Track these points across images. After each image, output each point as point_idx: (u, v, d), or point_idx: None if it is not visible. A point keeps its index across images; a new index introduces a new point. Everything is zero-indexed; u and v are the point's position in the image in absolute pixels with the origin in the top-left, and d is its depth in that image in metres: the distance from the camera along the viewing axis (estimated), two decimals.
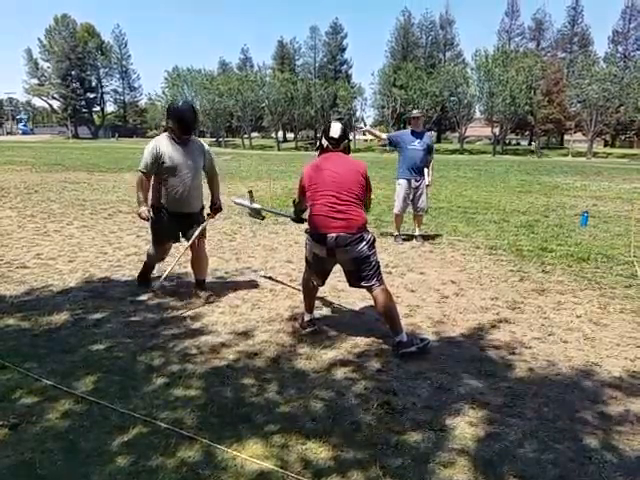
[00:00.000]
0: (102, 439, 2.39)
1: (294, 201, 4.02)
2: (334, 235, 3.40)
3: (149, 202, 4.28)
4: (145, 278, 4.73)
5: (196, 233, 4.32)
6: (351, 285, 3.70)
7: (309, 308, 3.85)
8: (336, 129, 3.67)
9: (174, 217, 4.29)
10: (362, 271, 3.50)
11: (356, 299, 4.47)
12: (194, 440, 2.38)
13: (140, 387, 2.88)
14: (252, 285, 4.84)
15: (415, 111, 7.29)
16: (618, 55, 54.63)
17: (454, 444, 2.41)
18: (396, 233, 7.13)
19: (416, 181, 6.85)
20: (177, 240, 4.52)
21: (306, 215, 3.82)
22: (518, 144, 65.45)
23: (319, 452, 2.32)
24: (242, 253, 6.15)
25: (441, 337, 3.70)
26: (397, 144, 6.90)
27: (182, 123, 4.13)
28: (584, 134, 49.95)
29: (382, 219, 8.67)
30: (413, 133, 6.84)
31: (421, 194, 6.91)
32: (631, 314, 4.21)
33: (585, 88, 47.60)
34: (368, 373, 3.11)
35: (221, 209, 4.66)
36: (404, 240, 7.03)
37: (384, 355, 3.37)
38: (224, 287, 4.77)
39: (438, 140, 71.50)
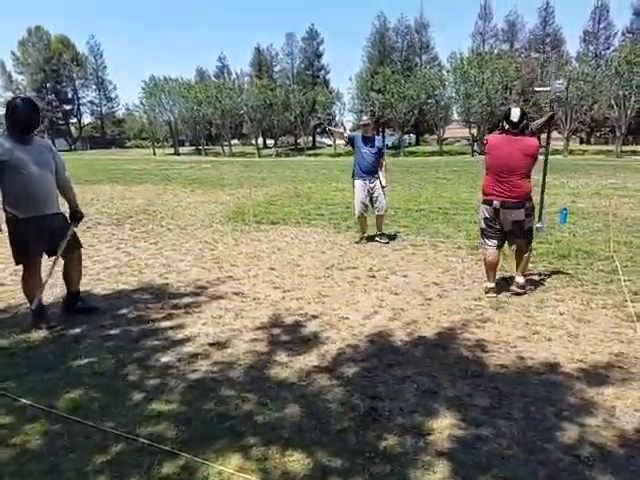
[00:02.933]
0: (84, 459, 2.32)
1: None
2: (498, 201, 4.46)
3: None
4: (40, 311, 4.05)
5: (63, 244, 4.02)
6: (509, 244, 4.80)
7: (491, 277, 4.73)
8: (516, 114, 4.42)
9: (32, 224, 3.84)
10: (518, 231, 4.55)
11: (341, 304, 4.45)
12: (178, 456, 2.32)
13: (122, 403, 2.81)
14: (235, 294, 4.78)
15: (364, 118, 7.64)
16: (589, 54, 55.69)
17: (443, 448, 2.39)
18: (361, 235, 7.22)
19: (370, 182, 7.07)
20: (41, 254, 4.04)
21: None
22: None
23: (306, 463, 2.28)
24: (224, 262, 6.08)
25: (426, 340, 3.69)
26: (353, 145, 7.13)
27: (20, 121, 3.81)
28: (560, 132, 50.75)
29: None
30: (364, 138, 7.06)
31: (378, 195, 7.10)
32: (613, 309, 4.25)
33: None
34: (354, 379, 3.08)
35: (82, 216, 4.35)
36: (367, 241, 7.16)
37: (370, 360, 3.34)
38: (206, 297, 4.70)
39: (417, 142, 71.99)
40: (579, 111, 48.51)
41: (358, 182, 7.10)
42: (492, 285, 4.69)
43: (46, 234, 3.96)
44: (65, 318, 4.14)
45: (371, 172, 7.06)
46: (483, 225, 4.72)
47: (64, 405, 2.78)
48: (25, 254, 3.95)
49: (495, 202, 4.49)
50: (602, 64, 47.82)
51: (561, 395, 2.87)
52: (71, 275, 4.30)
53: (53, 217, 4.04)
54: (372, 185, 7.07)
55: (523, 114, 4.43)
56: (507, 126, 4.44)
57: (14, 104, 3.84)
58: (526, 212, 4.49)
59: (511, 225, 4.53)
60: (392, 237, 7.40)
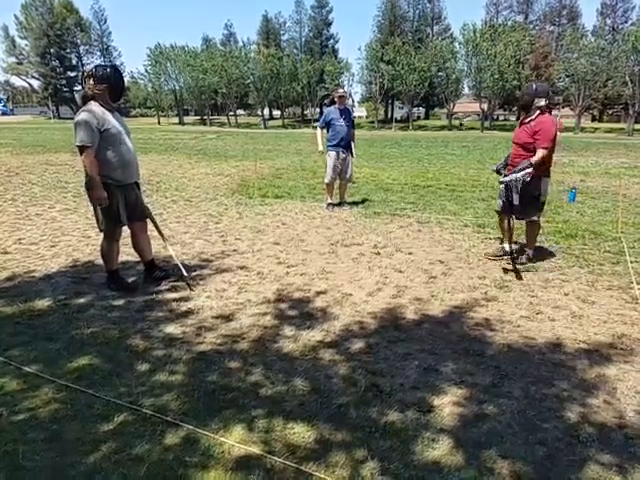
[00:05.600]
0: (86, 428, 2.35)
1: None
2: None
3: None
4: (116, 276, 4.24)
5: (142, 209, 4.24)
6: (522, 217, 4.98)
7: (509, 241, 4.90)
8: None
9: (127, 191, 4.01)
10: None
11: (345, 281, 4.44)
12: (180, 427, 2.35)
13: (125, 373, 2.83)
14: (239, 268, 4.78)
15: (340, 90, 8.08)
16: (606, 28, 54.15)
17: (442, 425, 2.40)
18: (329, 201, 7.84)
19: (343, 153, 7.65)
20: (124, 222, 4.10)
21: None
22: (506, 119, 65.40)
23: (306, 436, 2.30)
24: (228, 235, 6.07)
25: (429, 317, 3.69)
26: (328, 123, 7.66)
27: (117, 88, 3.89)
28: (572, 109, 49.81)
29: (371, 199, 8.60)
30: (338, 111, 7.59)
31: (348, 165, 7.73)
32: (618, 291, 4.22)
33: (573, 62, 47.31)
34: (356, 355, 3.09)
35: None
36: (335, 206, 7.82)
37: (372, 336, 3.35)
38: (210, 270, 4.70)
39: (426, 116, 71.00)
40: (592, 87, 47.48)
41: (332, 153, 7.64)
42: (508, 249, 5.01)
43: (133, 200, 4.10)
44: (68, 288, 4.17)
45: (346, 143, 7.62)
46: (545, 198, 4.96)
47: (67, 374, 2.81)
48: (117, 220, 4.01)
49: None
50: (619, 38, 46.50)
51: (562, 375, 2.87)
52: (141, 244, 4.38)
53: (137, 184, 4.20)
54: (344, 156, 7.67)
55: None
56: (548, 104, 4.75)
57: (113, 72, 3.86)
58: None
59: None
60: (353, 204, 8.10)
